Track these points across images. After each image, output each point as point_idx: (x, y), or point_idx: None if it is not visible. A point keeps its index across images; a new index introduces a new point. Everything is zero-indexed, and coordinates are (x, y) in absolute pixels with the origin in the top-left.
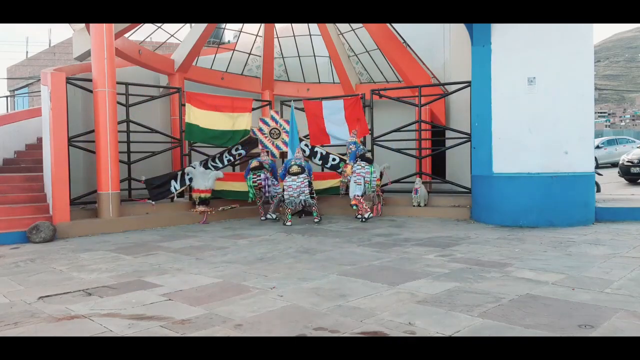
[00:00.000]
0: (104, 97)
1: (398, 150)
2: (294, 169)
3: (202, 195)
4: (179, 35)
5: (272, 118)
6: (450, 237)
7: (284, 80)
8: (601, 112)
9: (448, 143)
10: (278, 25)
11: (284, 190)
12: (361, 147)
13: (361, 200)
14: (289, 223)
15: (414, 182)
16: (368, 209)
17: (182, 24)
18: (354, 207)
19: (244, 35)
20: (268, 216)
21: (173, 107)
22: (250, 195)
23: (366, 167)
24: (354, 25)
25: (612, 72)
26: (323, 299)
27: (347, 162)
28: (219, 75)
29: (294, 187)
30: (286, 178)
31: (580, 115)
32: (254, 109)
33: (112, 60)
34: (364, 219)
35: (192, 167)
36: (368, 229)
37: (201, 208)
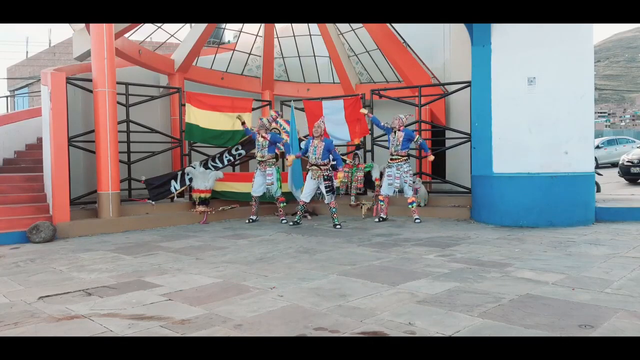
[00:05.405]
0: (104, 97)
1: None
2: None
3: (202, 195)
4: (179, 35)
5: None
6: (450, 237)
7: (284, 80)
8: (601, 112)
9: (448, 143)
10: (278, 25)
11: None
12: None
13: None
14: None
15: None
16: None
17: (182, 24)
18: (381, 203)
19: (244, 35)
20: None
21: (173, 107)
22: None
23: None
24: (354, 25)
25: (612, 72)
26: (323, 299)
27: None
28: (219, 75)
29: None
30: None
31: (580, 115)
32: (254, 109)
33: (112, 60)
34: (382, 219)
35: (192, 167)
36: (368, 229)
37: (201, 208)
